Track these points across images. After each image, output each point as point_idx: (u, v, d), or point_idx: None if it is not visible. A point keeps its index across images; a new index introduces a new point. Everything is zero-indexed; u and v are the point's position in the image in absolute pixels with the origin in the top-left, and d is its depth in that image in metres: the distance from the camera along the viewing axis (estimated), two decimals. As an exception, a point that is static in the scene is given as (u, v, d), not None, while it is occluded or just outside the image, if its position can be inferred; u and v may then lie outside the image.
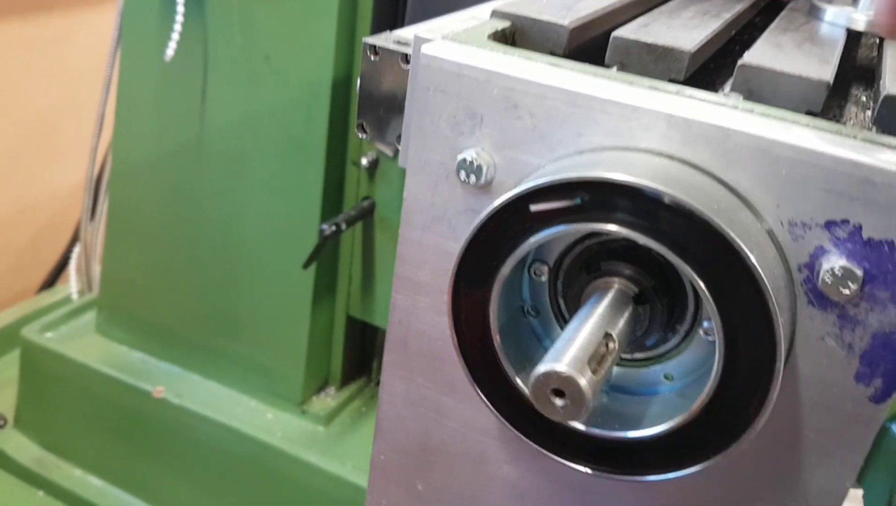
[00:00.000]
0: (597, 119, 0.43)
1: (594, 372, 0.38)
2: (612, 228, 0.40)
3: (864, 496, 0.67)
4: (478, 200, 0.48)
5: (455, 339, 0.48)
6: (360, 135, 0.53)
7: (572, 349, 0.38)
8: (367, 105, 0.52)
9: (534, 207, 0.42)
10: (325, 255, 1.23)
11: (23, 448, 1.51)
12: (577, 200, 0.40)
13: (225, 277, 1.34)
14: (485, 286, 0.45)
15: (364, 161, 1.16)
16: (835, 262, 0.39)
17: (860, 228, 0.38)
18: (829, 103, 0.54)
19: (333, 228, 1.12)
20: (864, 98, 0.60)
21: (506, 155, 0.46)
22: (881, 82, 0.48)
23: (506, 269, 0.44)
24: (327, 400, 1.41)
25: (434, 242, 0.50)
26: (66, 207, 2.04)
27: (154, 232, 1.39)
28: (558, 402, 0.37)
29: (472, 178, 0.46)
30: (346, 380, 1.43)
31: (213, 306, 1.37)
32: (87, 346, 1.48)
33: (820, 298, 0.40)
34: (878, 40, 0.68)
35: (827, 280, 0.39)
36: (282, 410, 1.37)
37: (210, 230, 1.32)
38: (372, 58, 0.50)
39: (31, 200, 2.02)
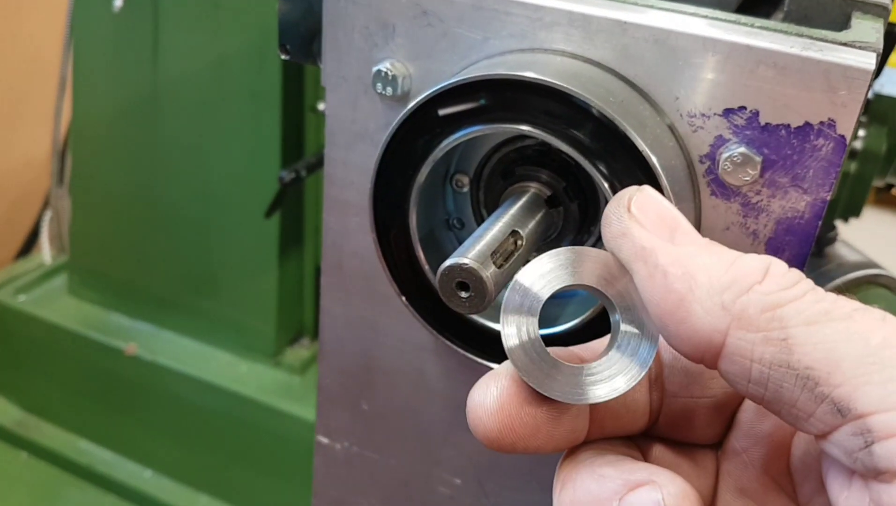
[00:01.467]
0: (503, 21, 0.43)
1: (499, 266, 0.38)
2: (512, 127, 0.40)
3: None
4: (396, 113, 0.48)
5: (380, 254, 0.48)
6: (283, 56, 0.53)
7: (478, 245, 0.39)
8: (287, 25, 0.52)
9: (442, 111, 0.42)
10: (289, 205, 1.23)
11: (4, 410, 1.53)
12: (481, 101, 0.41)
13: (192, 232, 1.34)
14: (403, 197, 0.46)
15: (321, 106, 1.16)
16: (734, 150, 0.39)
17: (757, 113, 0.39)
18: (755, 13, 0.54)
19: (293, 175, 1.12)
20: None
21: (420, 65, 0.46)
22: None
23: (421, 177, 0.44)
24: (301, 351, 1.42)
25: (358, 160, 0.51)
26: (39, 175, 2.03)
27: (118, 190, 1.39)
28: (462, 294, 0.38)
29: (389, 90, 0.47)
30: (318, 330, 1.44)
31: (182, 262, 1.38)
32: (60, 307, 1.49)
33: (722, 188, 0.41)
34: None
35: (727, 168, 0.40)
36: (255, 362, 1.38)
37: (173, 184, 1.31)
38: (288, -24, 0.50)
39: (3, 170, 2.01)
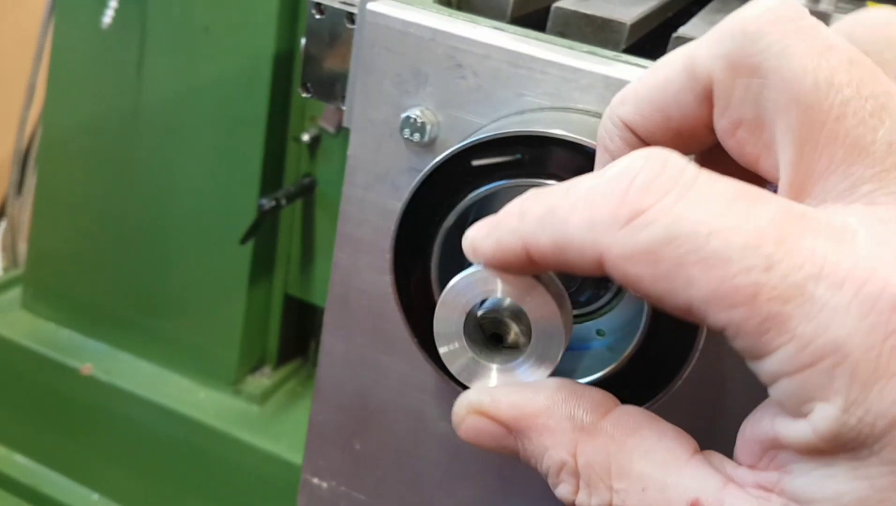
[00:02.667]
0: (537, 80, 0.44)
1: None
2: (548, 182, 0.41)
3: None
4: (420, 159, 0.48)
5: (397, 296, 0.49)
6: (303, 94, 0.54)
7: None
8: (311, 64, 0.53)
9: (476, 162, 0.43)
10: (263, 232, 1.23)
11: (-58, 427, 1.46)
12: (518, 155, 0.42)
13: (157, 253, 1.32)
14: (427, 243, 0.46)
15: (305, 137, 1.16)
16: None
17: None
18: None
19: (273, 203, 1.11)
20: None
21: (449, 114, 0.47)
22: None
23: (448, 224, 0.45)
24: (262, 379, 1.40)
25: (376, 200, 0.51)
26: (-11, 182, 1.98)
27: (85, 206, 1.36)
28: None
29: (416, 136, 0.47)
30: (282, 360, 1.43)
31: (145, 283, 1.35)
32: (13, 322, 1.44)
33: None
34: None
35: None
36: (215, 389, 1.36)
37: (143, 204, 1.29)
38: (317, 16, 0.51)
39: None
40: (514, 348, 0.38)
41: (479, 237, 0.33)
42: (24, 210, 1.64)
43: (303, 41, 0.53)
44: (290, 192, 1.15)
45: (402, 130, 0.48)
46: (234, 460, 1.30)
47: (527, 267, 0.31)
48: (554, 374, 0.47)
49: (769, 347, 0.24)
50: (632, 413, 0.31)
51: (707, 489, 0.27)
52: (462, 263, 0.51)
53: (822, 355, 0.23)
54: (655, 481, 0.28)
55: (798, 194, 0.27)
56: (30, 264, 1.47)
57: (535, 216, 0.29)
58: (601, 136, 0.34)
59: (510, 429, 0.32)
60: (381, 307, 0.54)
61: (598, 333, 0.48)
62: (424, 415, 0.56)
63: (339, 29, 0.51)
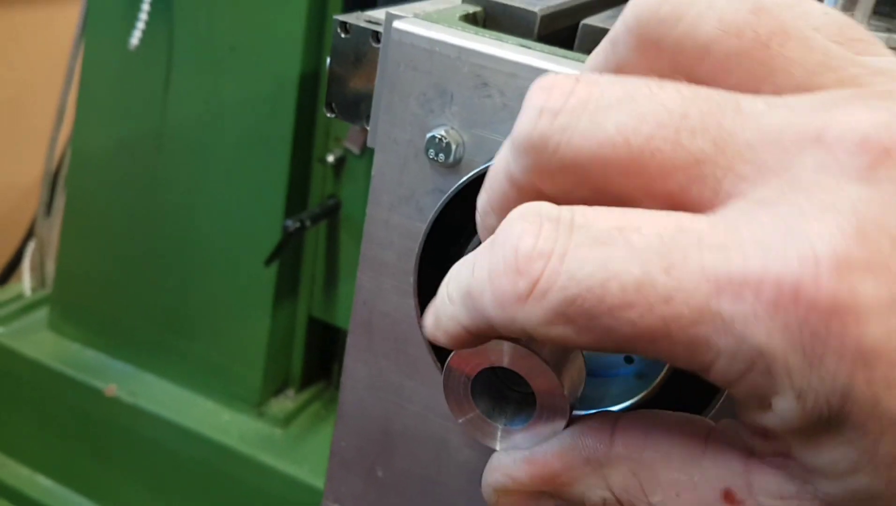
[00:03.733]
0: (566, 98, 0.43)
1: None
2: (579, 203, 0.40)
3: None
4: (445, 180, 0.47)
5: (420, 320, 0.47)
6: (328, 114, 0.53)
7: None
8: (336, 84, 0.52)
9: (502, 183, 0.42)
10: (287, 254, 1.22)
11: (-32, 446, 1.47)
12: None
13: (183, 275, 1.32)
14: (451, 264, 0.45)
15: (330, 158, 1.16)
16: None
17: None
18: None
19: (298, 224, 1.11)
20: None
21: (475, 134, 0.46)
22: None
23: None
24: (286, 402, 1.39)
25: (401, 222, 0.50)
26: (20, 202, 2.00)
27: (112, 227, 1.36)
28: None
29: (441, 156, 0.46)
30: (305, 382, 1.42)
31: (171, 304, 1.35)
32: (39, 342, 1.44)
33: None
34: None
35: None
36: (238, 411, 1.35)
37: (170, 226, 1.30)
38: (342, 35, 0.50)
39: (-20, 198, 1.98)
40: (524, 403, 0.36)
41: (430, 328, 0.32)
42: (53, 231, 1.66)
43: (328, 60, 0.52)
44: (315, 213, 1.15)
45: (427, 150, 0.47)
46: (256, 483, 1.28)
47: (487, 339, 0.31)
48: (583, 402, 0.46)
49: (704, 365, 0.24)
50: (634, 424, 0.30)
51: (733, 475, 0.27)
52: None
53: (752, 362, 0.23)
54: (684, 484, 0.28)
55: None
56: (57, 285, 1.47)
57: (458, 301, 0.29)
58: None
59: (543, 492, 0.32)
60: (405, 331, 0.52)
61: (627, 360, 0.47)
62: (448, 442, 0.54)
63: (364, 48, 0.50)
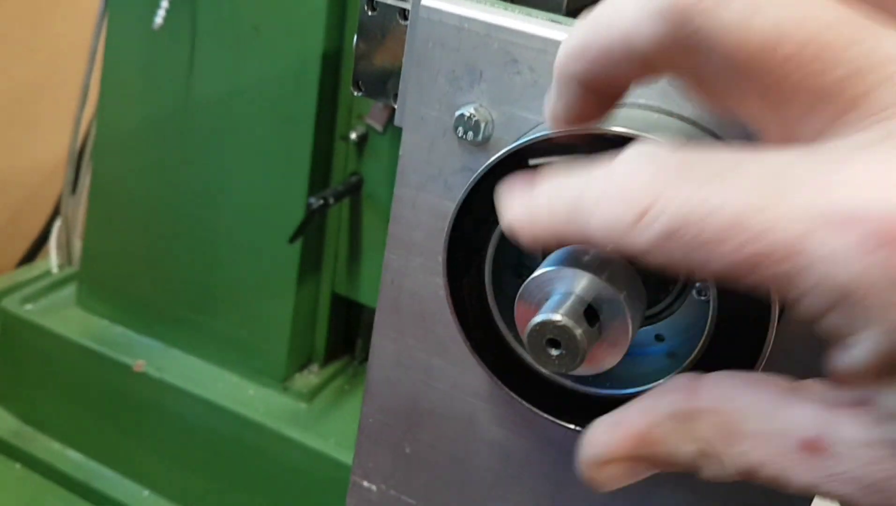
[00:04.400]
0: (597, 75, 0.42)
1: (590, 325, 0.38)
2: (610, 182, 0.40)
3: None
4: (474, 158, 0.47)
5: (450, 298, 0.48)
6: (355, 92, 0.53)
7: (568, 301, 0.38)
8: (363, 61, 0.52)
9: (532, 161, 0.41)
10: (311, 231, 1.23)
11: (0, 420, 1.50)
12: (578, 155, 0.40)
13: (208, 252, 1.33)
14: (481, 244, 0.45)
15: (353, 135, 1.16)
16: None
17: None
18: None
19: (321, 202, 1.11)
20: None
21: (504, 111, 0.46)
22: None
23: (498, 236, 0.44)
24: (310, 377, 1.41)
25: (429, 201, 0.50)
26: (45, 181, 2.02)
27: (137, 205, 1.38)
28: (553, 352, 0.37)
29: (470, 134, 0.46)
30: (329, 357, 1.43)
31: (196, 281, 1.37)
32: (68, 319, 1.47)
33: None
34: None
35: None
36: (263, 386, 1.37)
37: (194, 203, 1.31)
38: (369, 13, 0.50)
39: (9, 174, 1.99)
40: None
41: (520, 224, 0.34)
42: (78, 209, 1.68)
43: (354, 38, 0.52)
44: (338, 191, 1.15)
45: (455, 128, 0.46)
46: (281, 456, 1.30)
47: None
48: (612, 380, 0.46)
49: (792, 299, 0.25)
50: (716, 380, 0.32)
51: (815, 424, 0.28)
52: (515, 264, 0.50)
53: (841, 297, 0.24)
54: (770, 432, 0.29)
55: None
56: (84, 262, 1.49)
57: (561, 212, 0.31)
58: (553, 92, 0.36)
59: (638, 458, 0.33)
60: (433, 309, 0.53)
61: (657, 337, 0.47)
62: (476, 419, 0.54)
63: (391, 25, 0.50)
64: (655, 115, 0.41)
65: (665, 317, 0.46)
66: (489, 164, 0.43)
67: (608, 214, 0.29)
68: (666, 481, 0.49)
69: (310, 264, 1.30)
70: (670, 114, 0.41)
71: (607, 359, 0.40)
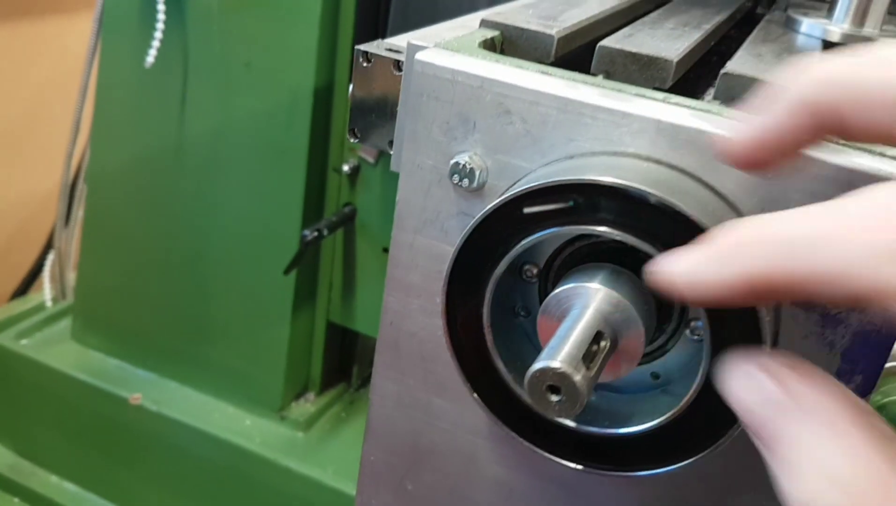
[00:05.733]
0: (587, 125, 0.44)
1: (588, 369, 0.39)
2: (602, 229, 0.41)
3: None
4: (469, 204, 0.49)
5: (448, 339, 0.49)
6: (351, 139, 0.54)
7: (567, 347, 0.39)
8: (359, 111, 0.53)
9: (527, 210, 0.43)
10: (305, 261, 1.24)
11: (-3, 456, 1.50)
12: (570, 203, 0.42)
13: (203, 284, 1.34)
14: (478, 287, 0.46)
15: (345, 168, 1.17)
16: (816, 262, 0.40)
17: (840, 229, 0.40)
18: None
19: (315, 234, 1.12)
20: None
21: (498, 159, 0.47)
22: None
23: (500, 270, 0.45)
24: (307, 406, 1.41)
25: (426, 244, 0.51)
26: (36, 214, 2.02)
27: (131, 238, 1.38)
28: (553, 398, 0.38)
29: (465, 181, 0.47)
30: (325, 386, 1.44)
31: (191, 313, 1.37)
32: (63, 353, 1.47)
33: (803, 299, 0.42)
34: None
35: (809, 280, 0.41)
36: (260, 416, 1.37)
37: (188, 236, 1.31)
38: (364, 64, 0.51)
39: (1, 207, 2.00)
40: None
41: (682, 276, 0.32)
42: (71, 241, 1.68)
43: (350, 88, 0.53)
44: (332, 222, 1.16)
45: (451, 175, 0.48)
46: (280, 486, 1.30)
47: (735, 301, 0.31)
48: (610, 417, 0.47)
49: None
50: None
51: None
52: (512, 306, 0.51)
53: None
54: None
55: None
56: (78, 296, 1.50)
57: (788, 244, 0.29)
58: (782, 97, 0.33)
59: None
60: (432, 350, 0.54)
61: (653, 376, 0.48)
62: (477, 457, 0.55)
63: (385, 76, 0.52)
64: (644, 164, 0.42)
65: (659, 356, 0.48)
66: (485, 212, 0.44)
67: (877, 238, 0.26)
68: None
69: (305, 294, 1.31)
70: (659, 162, 0.43)
71: (622, 369, 0.43)
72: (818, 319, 0.42)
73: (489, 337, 0.47)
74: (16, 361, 1.47)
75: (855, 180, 0.39)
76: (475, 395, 0.49)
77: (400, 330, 0.55)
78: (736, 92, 0.49)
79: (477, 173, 0.47)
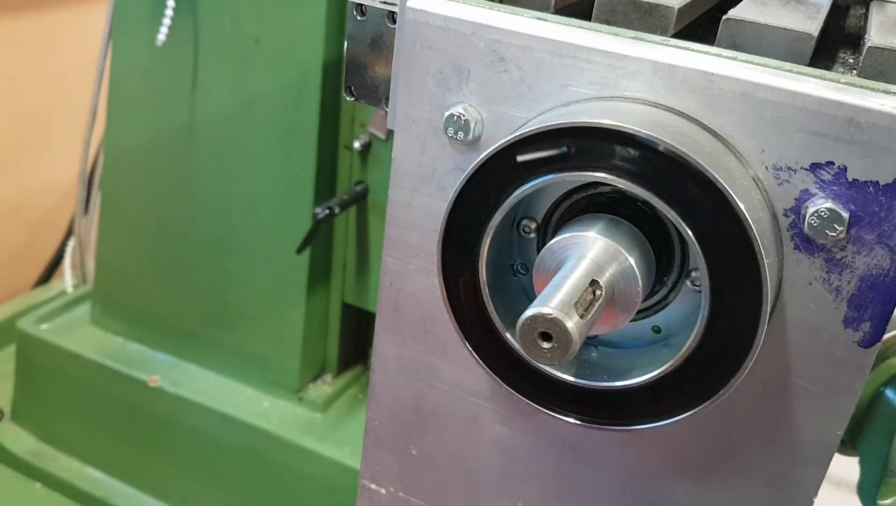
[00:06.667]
0: (582, 69, 0.43)
1: (581, 316, 0.38)
2: (598, 175, 0.40)
3: (861, 461, 0.68)
4: (466, 158, 0.48)
5: (446, 297, 0.48)
6: (348, 97, 0.53)
7: (560, 294, 0.38)
8: (354, 67, 0.52)
9: (521, 158, 0.42)
10: (319, 241, 1.23)
11: (20, 440, 1.51)
12: (563, 149, 0.40)
13: (219, 266, 1.34)
14: (474, 242, 0.45)
15: (356, 144, 1.16)
16: (820, 204, 0.39)
17: (845, 169, 0.38)
18: (815, 64, 0.54)
19: (327, 211, 1.12)
20: (850, 60, 0.60)
21: (493, 110, 0.46)
22: (866, 36, 0.48)
23: (494, 222, 0.44)
24: (324, 387, 1.41)
25: (423, 202, 0.50)
26: (60, 202, 2.04)
27: (147, 221, 1.39)
28: (545, 345, 0.37)
29: (461, 134, 0.46)
30: (342, 367, 1.43)
31: (208, 295, 1.37)
32: (83, 337, 1.48)
33: (806, 243, 0.40)
34: (864, 11, 0.68)
35: (813, 223, 0.39)
36: (278, 397, 1.37)
37: (203, 218, 1.31)
38: (358, 18, 0.50)
39: (25, 197, 2.02)
40: None
41: None
42: (91, 228, 1.69)
43: (345, 44, 0.52)
44: (344, 199, 1.16)
45: (445, 128, 0.47)
46: (298, 466, 1.30)
47: None
48: (610, 372, 0.46)
49: None
50: None
51: None
52: (511, 263, 0.50)
53: None
54: None
55: None
56: (97, 281, 1.51)
57: None
58: None
59: None
60: (432, 311, 0.53)
61: (654, 329, 0.47)
62: (479, 419, 0.55)
63: (380, 30, 0.51)
64: (641, 107, 0.41)
65: (661, 309, 0.46)
66: (478, 162, 0.43)
67: None
68: (672, 475, 0.49)
69: (319, 274, 1.30)
70: (656, 105, 0.41)
71: (619, 319, 0.42)
72: (822, 264, 0.40)
73: (486, 295, 0.46)
74: (36, 346, 1.48)
75: (857, 117, 0.37)
76: (474, 354, 0.48)
77: (399, 291, 0.54)
78: (739, 38, 0.47)
79: (472, 125, 0.46)
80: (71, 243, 1.76)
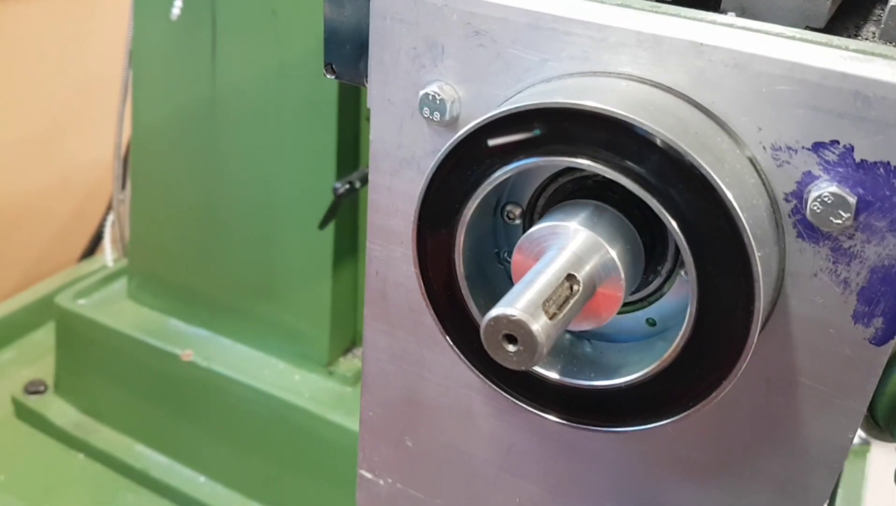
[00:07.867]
0: (562, 42, 0.39)
1: (552, 316, 0.35)
2: (573, 161, 0.36)
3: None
4: (444, 140, 0.44)
5: (423, 288, 0.45)
6: (328, 75, 0.50)
7: (528, 293, 0.35)
8: (334, 44, 0.49)
9: (492, 142, 0.38)
10: (344, 215, 1.21)
11: (63, 413, 1.55)
12: (536, 132, 0.37)
13: (248, 239, 1.34)
14: (449, 230, 0.42)
15: (377, 116, 1.13)
16: (824, 189, 0.35)
17: (852, 148, 0.34)
18: (843, 23, 0.49)
19: (347, 186, 1.09)
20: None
21: (470, 88, 0.43)
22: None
23: (468, 210, 0.41)
24: (354, 361, 1.40)
25: (404, 187, 0.47)
26: (106, 176, 2.06)
27: (176, 197, 1.39)
28: (510, 348, 0.34)
29: (437, 114, 0.43)
30: (372, 341, 1.42)
31: (238, 269, 1.37)
32: (119, 311, 1.50)
33: (810, 230, 0.36)
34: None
35: (816, 209, 0.35)
36: (309, 371, 1.37)
37: (229, 192, 1.31)
38: (333, -8, 0.47)
39: (72, 171, 2.05)
40: None
41: None
42: (127, 204, 1.70)
43: (323, 21, 0.49)
44: (365, 173, 1.13)
45: (421, 108, 0.44)
46: (328, 440, 1.31)
47: None
48: (599, 369, 0.43)
49: None
50: None
51: None
52: (497, 251, 0.47)
53: None
54: None
55: None
56: (131, 256, 1.52)
57: None
58: None
59: None
60: (419, 301, 0.50)
61: (648, 322, 0.43)
62: (473, 412, 0.52)
63: (357, 3, 0.47)
64: (624, 83, 0.37)
65: (655, 300, 0.43)
66: (447, 147, 0.40)
67: None
68: (672, 474, 0.45)
69: (345, 248, 1.29)
70: (642, 80, 0.37)
71: (602, 316, 0.39)
72: (828, 254, 0.36)
73: (464, 285, 0.43)
74: (75, 321, 1.50)
75: (864, 90, 0.33)
76: (452, 345, 0.46)
77: (386, 280, 0.51)
78: (747, 2, 0.43)
79: (448, 104, 0.43)
80: (111, 218, 1.78)
